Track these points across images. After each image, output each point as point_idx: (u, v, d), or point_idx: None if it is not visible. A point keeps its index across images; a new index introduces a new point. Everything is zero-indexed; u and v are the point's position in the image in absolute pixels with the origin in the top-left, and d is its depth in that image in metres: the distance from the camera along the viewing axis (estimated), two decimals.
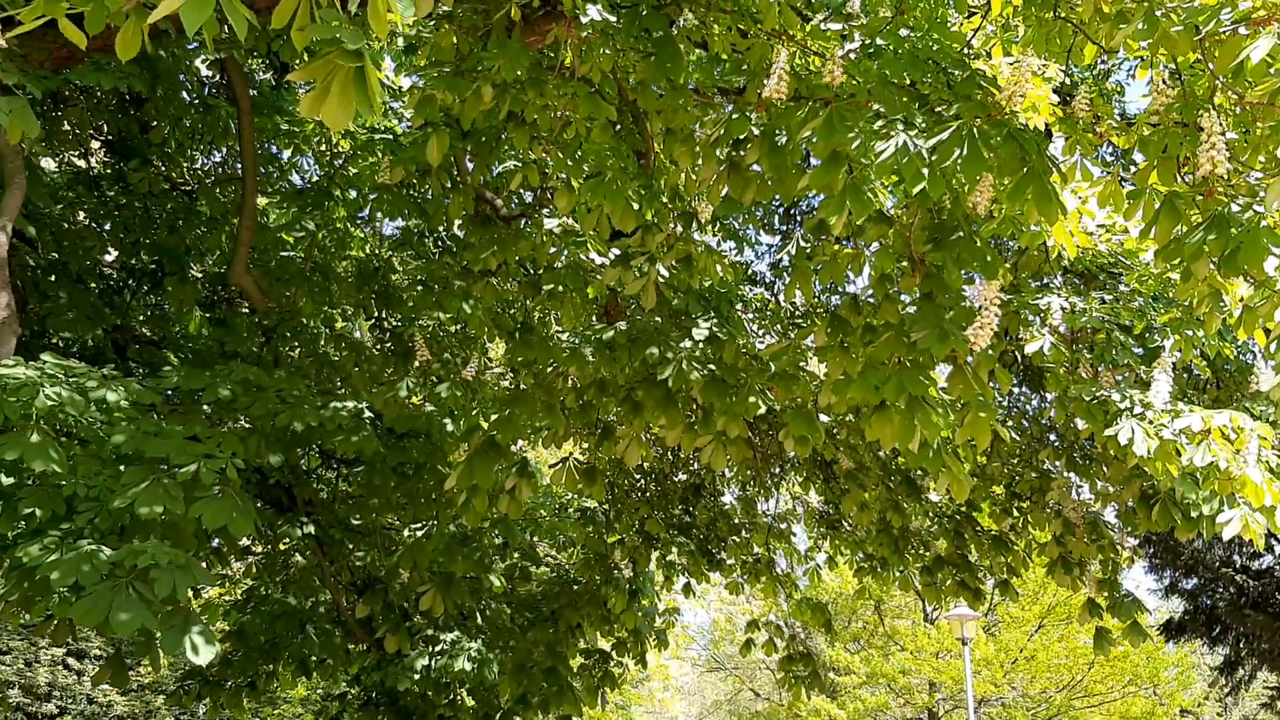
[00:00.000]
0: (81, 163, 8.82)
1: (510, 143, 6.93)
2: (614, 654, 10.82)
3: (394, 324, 9.21)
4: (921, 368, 4.80)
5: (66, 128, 8.17)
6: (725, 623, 31.29)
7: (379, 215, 8.91)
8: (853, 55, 5.14)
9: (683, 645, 31.40)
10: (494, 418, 6.71)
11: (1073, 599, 21.05)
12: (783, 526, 10.82)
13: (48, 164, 8.49)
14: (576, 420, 7.45)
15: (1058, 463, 8.56)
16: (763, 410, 6.37)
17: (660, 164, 6.70)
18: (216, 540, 7.78)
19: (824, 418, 6.91)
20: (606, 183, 5.76)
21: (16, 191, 5.71)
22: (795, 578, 11.56)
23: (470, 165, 7.64)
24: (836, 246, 5.70)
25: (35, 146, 7.61)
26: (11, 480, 4.86)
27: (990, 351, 4.77)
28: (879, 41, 5.14)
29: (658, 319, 6.80)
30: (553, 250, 7.41)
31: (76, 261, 7.81)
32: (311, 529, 8.70)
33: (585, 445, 8.55)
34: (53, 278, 7.71)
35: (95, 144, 8.87)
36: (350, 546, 9.44)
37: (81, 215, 8.41)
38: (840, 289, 8.71)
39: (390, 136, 8.08)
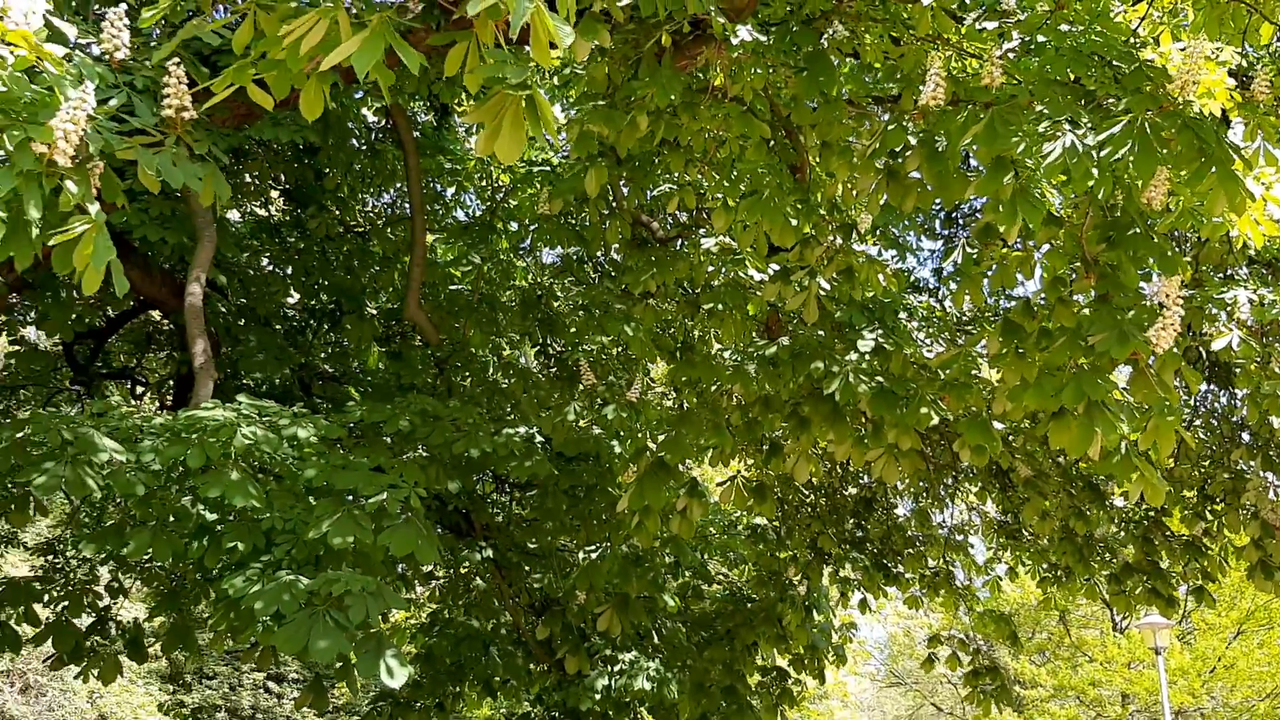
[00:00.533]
0: (263, 212, 9.35)
1: (665, 166, 7.01)
2: (792, 671, 10.73)
3: (558, 349, 9.40)
4: (1100, 371, 4.62)
5: (248, 180, 8.67)
6: (903, 636, 30.62)
7: (540, 245, 9.13)
8: (1011, 54, 5.00)
9: (861, 661, 30.87)
10: (661, 438, 6.75)
11: (1274, 603, 19.86)
12: (959, 538, 10.56)
13: (232, 215, 9.01)
14: (743, 438, 7.43)
15: (1252, 462, 8.14)
16: (935, 421, 6.24)
17: (816, 177, 6.65)
18: (401, 566, 8.07)
19: (999, 425, 6.70)
20: (764, 200, 5.75)
21: (208, 244, 6.11)
22: (975, 590, 11.26)
23: (626, 190, 7.76)
24: (1005, 250, 5.54)
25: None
26: (215, 516, 5.17)
27: (1175, 351, 4.55)
28: (1038, 38, 4.98)
29: (821, 332, 6.74)
30: (711, 269, 7.44)
31: (263, 305, 8.27)
32: (490, 553, 8.93)
33: (752, 462, 8.53)
34: (242, 321, 8.18)
35: (274, 193, 9.39)
36: (527, 569, 9.65)
37: (265, 261, 8.91)
38: (1010, 293, 8.45)
39: (548, 168, 8.29)
